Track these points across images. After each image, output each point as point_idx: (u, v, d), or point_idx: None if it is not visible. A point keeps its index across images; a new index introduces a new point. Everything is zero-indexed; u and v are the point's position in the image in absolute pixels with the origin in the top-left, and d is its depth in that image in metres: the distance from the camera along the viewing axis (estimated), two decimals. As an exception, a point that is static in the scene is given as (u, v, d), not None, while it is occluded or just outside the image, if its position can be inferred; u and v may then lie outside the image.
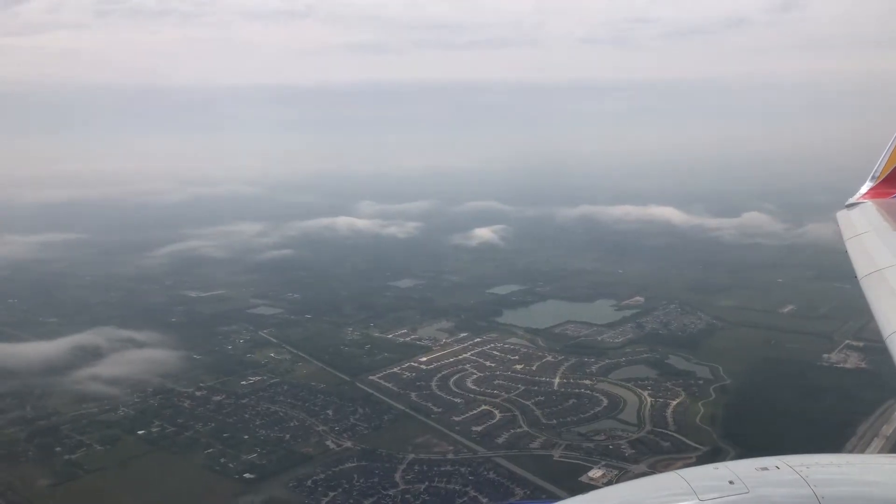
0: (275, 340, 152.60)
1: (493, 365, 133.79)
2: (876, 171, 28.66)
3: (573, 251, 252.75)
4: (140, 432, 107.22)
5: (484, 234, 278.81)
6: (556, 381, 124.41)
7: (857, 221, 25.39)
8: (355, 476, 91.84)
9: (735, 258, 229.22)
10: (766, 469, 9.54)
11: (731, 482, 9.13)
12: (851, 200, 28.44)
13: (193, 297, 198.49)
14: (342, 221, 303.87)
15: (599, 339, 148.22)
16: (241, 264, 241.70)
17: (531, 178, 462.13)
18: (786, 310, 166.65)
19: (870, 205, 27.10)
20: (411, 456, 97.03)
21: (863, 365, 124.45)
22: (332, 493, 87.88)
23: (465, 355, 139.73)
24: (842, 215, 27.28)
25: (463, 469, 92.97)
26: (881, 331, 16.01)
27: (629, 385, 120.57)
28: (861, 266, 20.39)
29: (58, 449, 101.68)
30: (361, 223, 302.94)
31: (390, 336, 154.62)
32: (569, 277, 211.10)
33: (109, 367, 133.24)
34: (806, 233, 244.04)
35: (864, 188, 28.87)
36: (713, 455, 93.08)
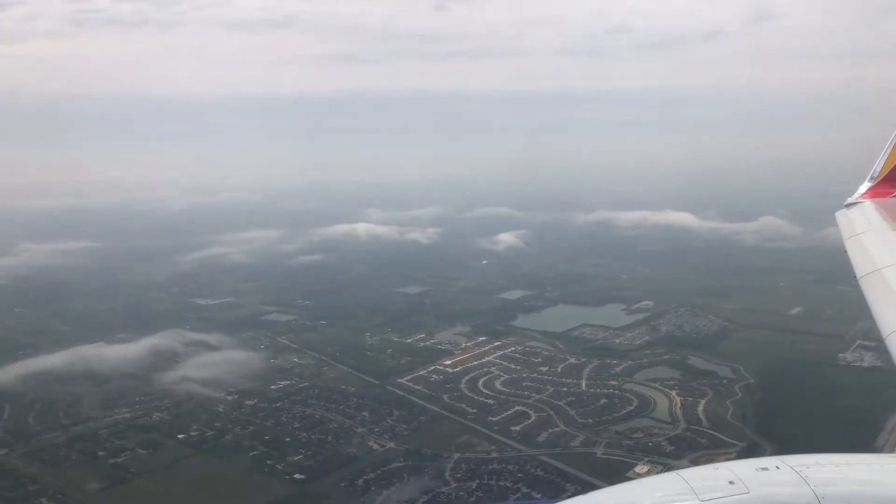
0: (294, 346, 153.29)
1: (517, 367, 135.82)
2: (874, 171, 28.67)
3: (595, 255, 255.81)
4: (180, 436, 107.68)
5: (508, 238, 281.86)
6: (583, 382, 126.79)
7: (856, 221, 25.31)
8: (405, 475, 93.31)
9: (759, 261, 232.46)
10: (766, 469, 9.55)
11: (731, 482, 9.14)
12: (850, 200, 28.45)
13: (202, 304, 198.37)
14: (361, 228, 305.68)
15: (617, 341, 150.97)
16: (268, 270, 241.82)
17: (528, 185, 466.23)
18: (793, 312, 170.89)
19: (868, 204, 27.05)
20: (456, 455, 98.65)
21: (879, 363, 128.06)
22: (385, 492, 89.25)
23: (488, 358, 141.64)
24: (841, 215, 27.33)
25: (510, 467, 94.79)
26: (881, 330, 16.01)
27: (656, 385, 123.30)
28: (860, 266, 20.33)
29: (100, 453, 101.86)
30: (381, 229, 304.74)
31: (409, 340, 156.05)
32: (577, 282, 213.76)
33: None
34: (826, 236, 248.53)
35: (863, 188, 28.87)
36: (752, 450, 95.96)
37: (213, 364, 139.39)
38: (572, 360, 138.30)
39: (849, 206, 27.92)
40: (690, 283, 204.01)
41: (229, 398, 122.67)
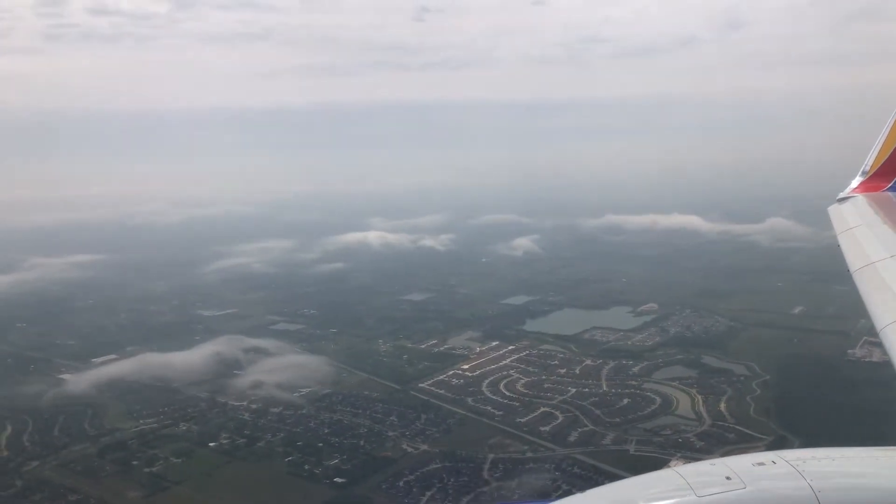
0: (310, 353, 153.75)
1: (536, 370, 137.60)
2: (866, 165, 28.67)
3: (609, 260, 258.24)
4: (211, 444, 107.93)
5: (525, 244, 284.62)
6: (604, 383, 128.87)
7: (848, 215, 25.38)
8: (444, 476, 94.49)
9: (776, 262, 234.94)
10: (762, 464, 9.61)
11: (727, 478, 9.20)
12: (842, 195, 28.54)
13: (207, 315, 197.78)
14: (373, 236, 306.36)
15: (629, 343, 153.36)
16: (289, 280, 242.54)
17: (525, 192, 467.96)
18: (796, 311, 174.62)
19: (861, 198, 27.08)
20: (491, 455, 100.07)
21: (888, 359, 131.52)
22: (428, 493, 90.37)
23: (505, 362, 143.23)
24: (833, 210, 27.38)
25: (547, 465, 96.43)
26: (874, 324, 15.90)
27: (674, 384, 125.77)
28: (854, 260, 20.41)
29: (135, 462, 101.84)
30: (392, 237, 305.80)
31: (423, 346, 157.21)
32: (582, 286, 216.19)
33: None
34: (834, 236, 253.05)
35: (855, 182, 28.90)
36: (781, 443, 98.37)
37: (228, 375, 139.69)
38: (589, 362, 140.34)
39: (841, 200, 28.07)
40: (691, 286, 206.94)
41: (253, 406, 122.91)
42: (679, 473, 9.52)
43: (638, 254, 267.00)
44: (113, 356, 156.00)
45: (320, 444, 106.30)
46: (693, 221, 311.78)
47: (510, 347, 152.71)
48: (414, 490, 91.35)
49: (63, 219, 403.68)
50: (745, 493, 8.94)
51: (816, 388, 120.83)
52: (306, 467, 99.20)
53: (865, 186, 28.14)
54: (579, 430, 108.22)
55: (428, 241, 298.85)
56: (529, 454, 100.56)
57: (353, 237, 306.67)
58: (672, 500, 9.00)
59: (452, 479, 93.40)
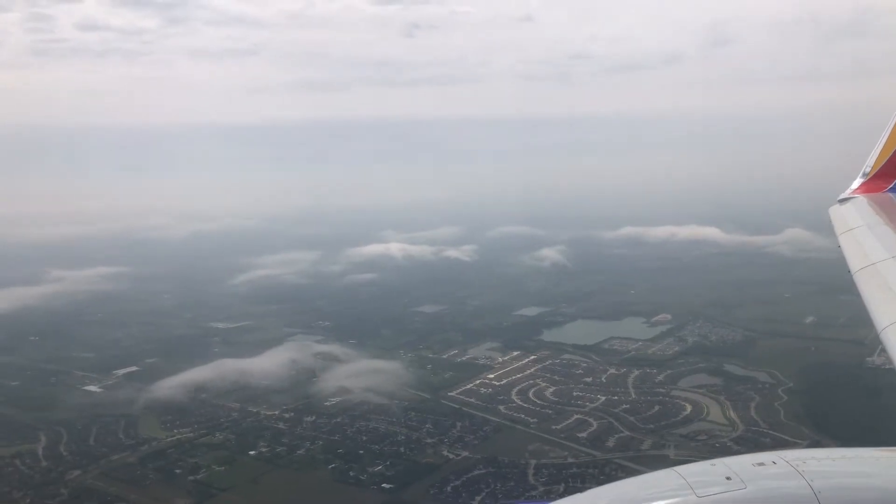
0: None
1: (562, 379, 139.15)
2: (866, 166, 28.57)
3: (637, 271, 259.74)
4: (251, 452, 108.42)
5: (550, 254, 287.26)
6: (632, 391, 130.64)
7: (849, 216, 25.21)
8: (490, 481, 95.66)
9: (807, 273, 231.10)
10: (762, 464, 9.62)
11: (727, 478, 9.20)
12: (843, 196, 28.37)
13: (221, 328, 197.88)
14: (395, 248, 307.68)
15: (649, 352, 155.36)
16: (324, 290, 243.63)
17: (529, 204, 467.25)
18: (808, 321, 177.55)
19: (862, 199, 26.95)
20: (534, 461, 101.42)
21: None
22: (478, 497, 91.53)
23: (529, 371, 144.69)
24: (834, 210, 27.22)
25: (591, 471, 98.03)
26: (875, 325, 15.84)
27: (701, 391, 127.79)
28: (854, 261, 20.34)
29: (178, 471, 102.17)
30: (414, 249, 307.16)
31: (445, 357, 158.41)
32: (592, 298, 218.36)
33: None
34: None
35: (855, 183, 28.72)
36: (817, 447, 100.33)
37: (254, 385, 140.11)
38: (613, 371, 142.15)
39: (842, 201, 27.91)
40: (702, 297, 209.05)
41: (287, 415, 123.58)
42: (679, 473, 9.52)
43: (662, 266, 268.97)
44: (133, 368, 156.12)
45: (361, 452, 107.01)
46: (711, 233, 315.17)
47: (532, 357, 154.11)
48: (463, 495, 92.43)
49: (65, 233, 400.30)
50: (746, 494, 8.93)
51: (841, 393, 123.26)
52: (351, 474, 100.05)
53: (866, 187, 28.06)
54: (616, 436, 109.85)
55: (452, 253, 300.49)
56: (571, 459, 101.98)
57: (374, 249, 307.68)
58: (672, 500, 9.01)
59: (499, 484, 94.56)
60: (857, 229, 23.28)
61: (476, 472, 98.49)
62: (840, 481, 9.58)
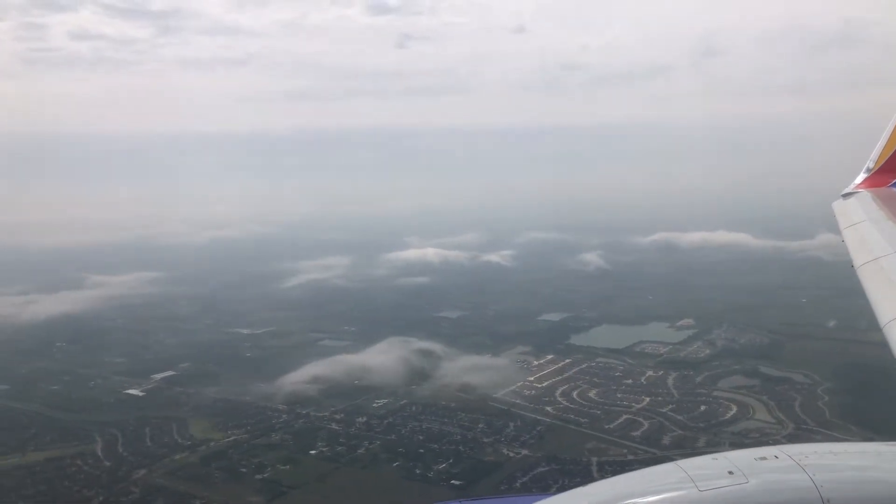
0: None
1: (602, 381, 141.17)
2: (870, 161, 28.50)
3: (684, 276, 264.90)
4: (311, 452, 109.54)
5: (592, 259, 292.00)
6: (674, 391, 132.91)
7: (853, 211, 25.06)
8: (557, 477, 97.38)
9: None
10: (764, 458, 9.56)
11: (730, 472, 9.17)
12: (847, 190, 28.22)
13: (246, 333, 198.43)
14: (431, 253, 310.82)
15: (682, 355, 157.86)
16: (378, 295, 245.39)
17: (545, 212, 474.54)
18: (831, 324, 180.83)
19: (866, 194, 26.76)
20: (595, 458, 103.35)
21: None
22: (550, 492, 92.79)
23: (568, 374, 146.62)
24: (838, 205, 27.08)
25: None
26: (878, 319, 15.71)
27: (742, 392, 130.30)
28: (858, 255, 20.21)
29: (242, 469, 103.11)
30: (451, 254, 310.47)
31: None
32: (614, 302, 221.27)
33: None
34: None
35: (859, 178, 28.64)
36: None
37: (300, 389, 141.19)
38: (651, 373, 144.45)
39: (846, 196, 27.77)
40: (724, 301, 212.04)
41: (338, 416, 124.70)
42: (681, 467, 9.50)
43: (705, 270, 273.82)
44: (171, 372, 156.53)
45: (421, 451, 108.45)
46: (742, 239, 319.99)
47: (566, 360, 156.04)
48: (533, 490, 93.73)
49: (80, 241, 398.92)
50: (748, 488, 8.90)
51: (883, 392, 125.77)
52: (417, 472, 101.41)
53: (870, 182, 27.93)
54: (670, 434, 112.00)
55: (492, 258, 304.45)
56: (631, 456, 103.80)
57: (412, 254, 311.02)
58: (674, 494, 9.01)
59: (567, 480, 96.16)
60: (860, 224, 23.22)
61: (540, 470, 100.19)
62: (842, 475, 9.54)
